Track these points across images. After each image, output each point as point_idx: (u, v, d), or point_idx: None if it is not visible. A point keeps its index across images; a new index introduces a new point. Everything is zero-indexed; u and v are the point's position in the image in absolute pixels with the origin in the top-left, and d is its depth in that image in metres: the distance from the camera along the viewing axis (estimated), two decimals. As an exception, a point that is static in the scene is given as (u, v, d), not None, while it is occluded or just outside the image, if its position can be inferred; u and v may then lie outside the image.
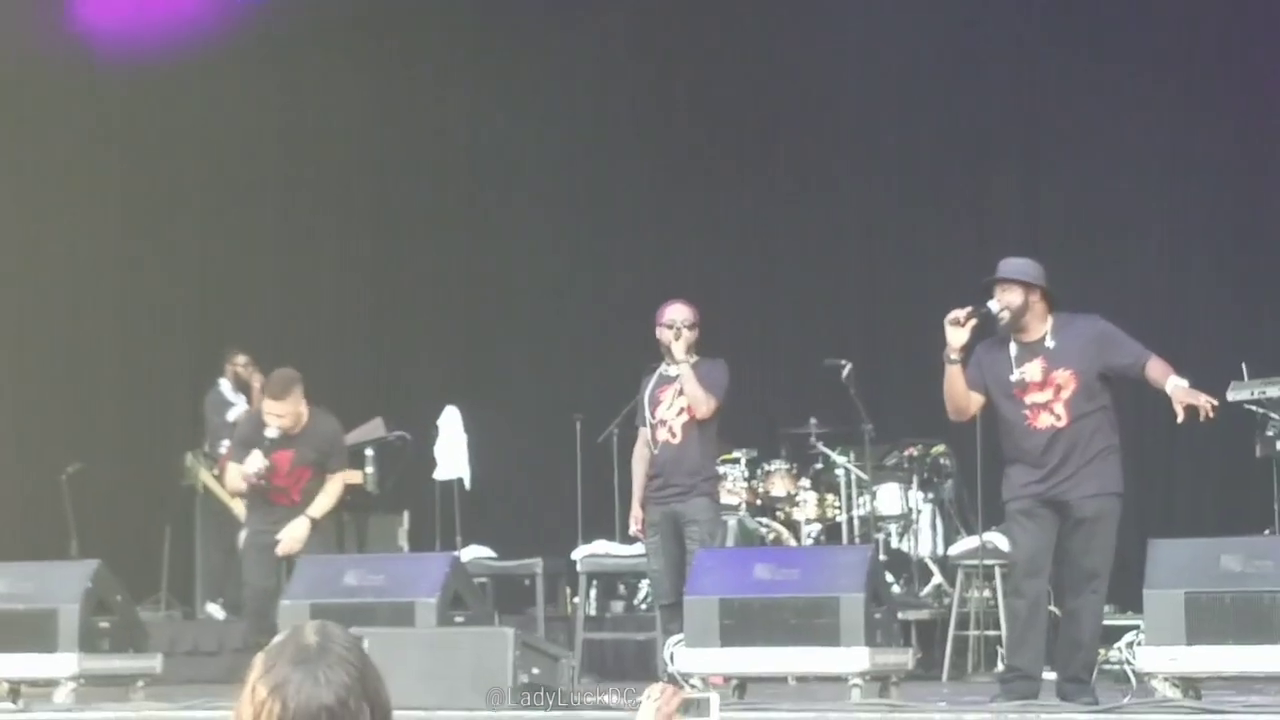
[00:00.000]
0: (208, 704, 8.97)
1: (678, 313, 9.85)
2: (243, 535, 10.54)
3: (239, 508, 11.95)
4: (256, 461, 10.00)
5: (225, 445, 11.85)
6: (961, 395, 8.51)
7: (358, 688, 3.21)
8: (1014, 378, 8.41)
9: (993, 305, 8.40)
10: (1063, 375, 8.37)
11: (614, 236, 14.33)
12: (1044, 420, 8.37)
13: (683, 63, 14.33)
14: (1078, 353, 8.42)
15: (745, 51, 14.16)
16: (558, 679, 8.67)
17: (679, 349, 9.76)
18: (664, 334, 9.85)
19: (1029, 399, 8.40)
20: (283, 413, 10.06)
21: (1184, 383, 8.25)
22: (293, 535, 10.02)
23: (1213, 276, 12.89)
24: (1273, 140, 12.89)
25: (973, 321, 8.40)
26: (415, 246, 14.53)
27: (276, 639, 3.30)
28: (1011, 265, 8.54)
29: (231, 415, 12.59)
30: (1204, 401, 8.18)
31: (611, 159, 14.40)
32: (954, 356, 8.42)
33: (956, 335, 8.39)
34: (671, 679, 9.10)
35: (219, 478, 12.34)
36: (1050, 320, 8.46)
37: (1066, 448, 8.33)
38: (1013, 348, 8.47)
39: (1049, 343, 8.43)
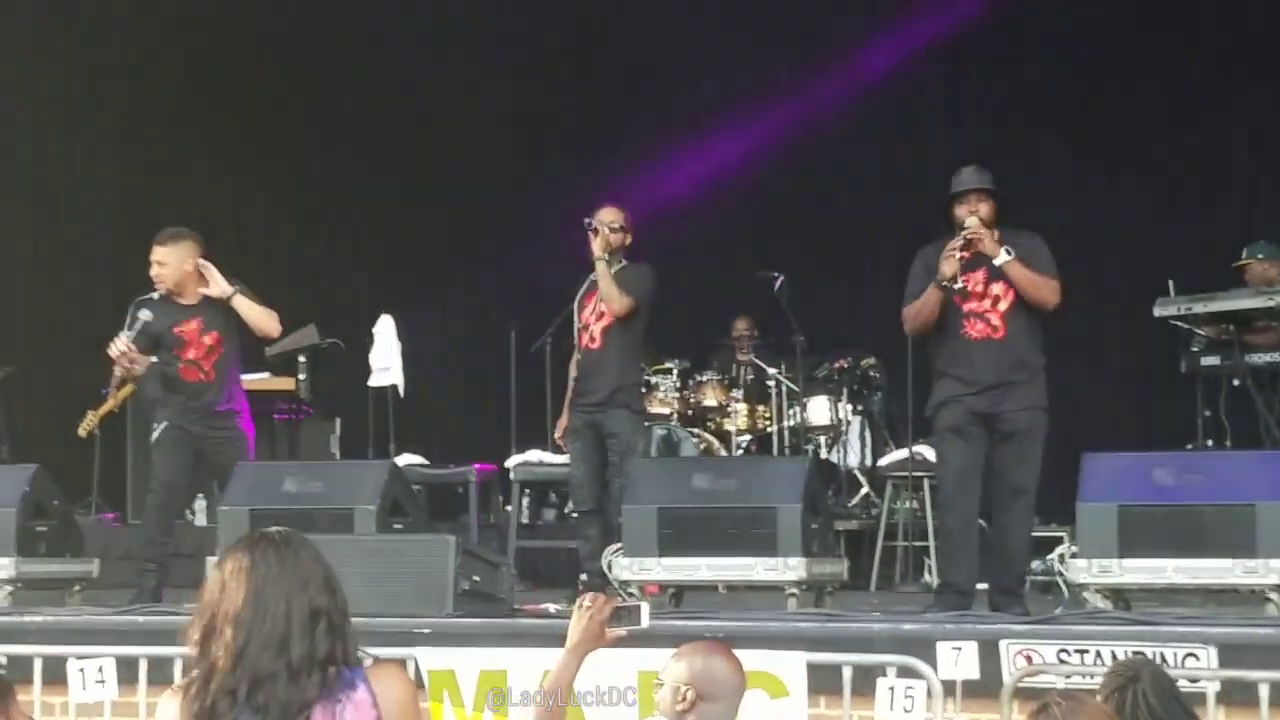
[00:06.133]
0: (144, 608, 8.97)
1: (604, 213, 9.69)
2: (156, 429, 9.59)
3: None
4: (119, 341, 9.33)
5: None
6: (933, 317, 8.51)
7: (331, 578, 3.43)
8: (956, 285, 8.42)
9: (972, 221, 8.38)
10: (1001, 287, 8.40)
11: (549, 143, 14.30)
12: (979, 329, 8.41)
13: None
14: None
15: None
16: (498, 586, 8.71)
17: (597, 246, 9.59)
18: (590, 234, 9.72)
19: (966, 307, 8.42)
20: (163, 259, 9.35)
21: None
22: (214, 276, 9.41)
23: (1141, 194, 13.01)
24: (1193, 59, 13.00)
25: (967, 251, 8.39)
26: (349, 152, 14.46)
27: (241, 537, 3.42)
28: (984, 176, 8.51)
29: None
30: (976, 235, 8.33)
31: (538, 71, 14.37)
32: (946, 284, 8.39)
33: (953, 265, 8.37)
34: (586, 586, 9.17)
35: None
36: (996, 232, 8.47)
37: (999, 359, 8.36)
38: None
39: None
